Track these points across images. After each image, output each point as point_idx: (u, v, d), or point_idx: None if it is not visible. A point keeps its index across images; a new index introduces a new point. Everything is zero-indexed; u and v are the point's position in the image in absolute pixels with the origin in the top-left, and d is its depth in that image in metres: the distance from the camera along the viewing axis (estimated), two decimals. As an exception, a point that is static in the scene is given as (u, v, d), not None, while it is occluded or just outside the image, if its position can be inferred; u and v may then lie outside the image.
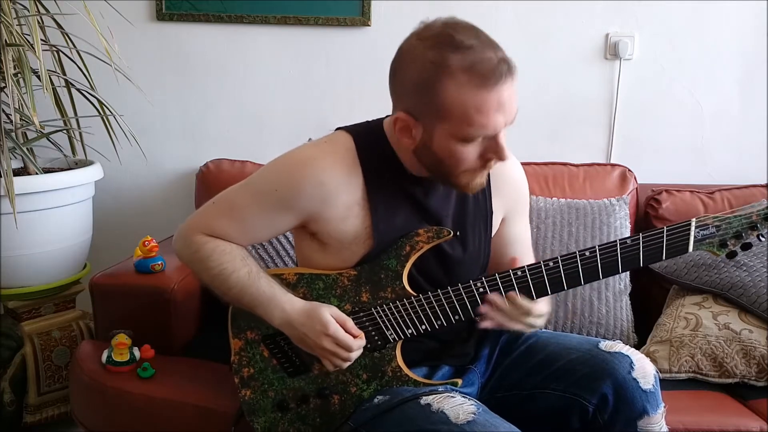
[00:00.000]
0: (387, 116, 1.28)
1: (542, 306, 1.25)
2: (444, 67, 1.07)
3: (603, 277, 1.19)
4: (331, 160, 1.21)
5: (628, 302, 1.86)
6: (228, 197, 1.28)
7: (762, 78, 2.20)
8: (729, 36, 2.18)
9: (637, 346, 1.76)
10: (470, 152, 1.13)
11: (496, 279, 1.20)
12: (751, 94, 2.21)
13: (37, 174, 1.88)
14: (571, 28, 2.19)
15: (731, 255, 1.18)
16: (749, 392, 1.62)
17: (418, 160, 1.19)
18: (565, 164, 2.10)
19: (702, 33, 2.18)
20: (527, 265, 1.20)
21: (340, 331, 1.18)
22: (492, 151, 1.14)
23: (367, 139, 1.23)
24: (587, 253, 1.17)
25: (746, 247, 1.17)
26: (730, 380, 1.64)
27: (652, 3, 2.17)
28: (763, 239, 1.16)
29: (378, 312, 1.23)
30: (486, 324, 1.21)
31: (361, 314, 1.24)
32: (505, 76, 1.09)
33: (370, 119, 1.29)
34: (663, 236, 1.16)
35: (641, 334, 1.82)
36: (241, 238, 1.27)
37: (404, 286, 1.23)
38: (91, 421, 1.64)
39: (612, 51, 2.19)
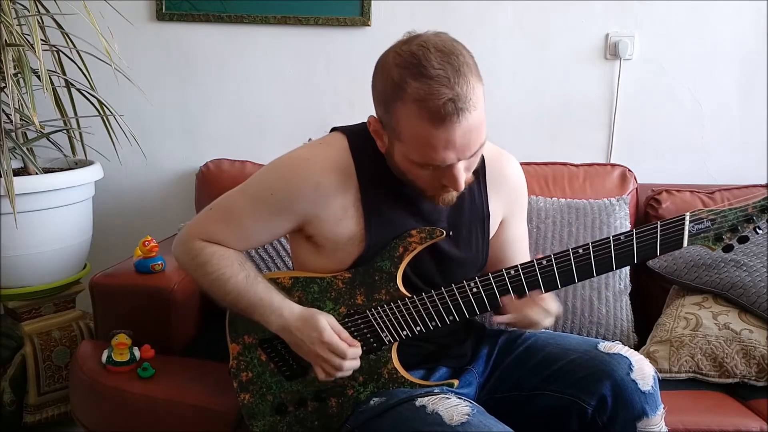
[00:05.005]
0: None
1: (551, 304, 1.24)
2: (401, 92, 1.07)
3: (597, 275, 1.18)
4: (326, 161, 1.21)
5: (628, 302, 1.86)
6: (225, 203, 1.28)
7: (762, 78, 2.20)
8: (729, 36, 2.18)
9: (637, 346, 1.76)
10: (425, 175, 1.14)
11: (489, 279, 1.20)
12: (751, 94, 2.21)
13: (37, 174, 1.88)
14: (571, 28, 2.19)
15: (727, 249, 1.16)
16: (749, 392, 1.61)
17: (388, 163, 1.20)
18: (565, 164, 2.10)
19: (702, 33, 2.18)
20: (520, 264, 1.19)
21: (334, 337, 1.17)
22: (446, 180, 1.13)
23: (362, 140, 1.23)
24: (580, 251, 1.16)
25: (743, 240, 1.15)
26: (730, 380, 1.64)
27: (652, 3, 2.17)
28: (760, 231, 1.15)
29: (373, 314, 1.23)
30: (499, 319, 1.22)
31: (356, 317, 1.24)
32: (452, 117, 1.04)
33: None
34: (657, 232, 1.15)
35: (641, 334, 1.82)
36: (238, 243, 1.28)
37: (398, 288, 1.23)
38: (91, 421, 1.64)
39: (612, 51, 2.19)
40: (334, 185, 1.20)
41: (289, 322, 1.20)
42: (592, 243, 1.16)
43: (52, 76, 1.89)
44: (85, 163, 2.03)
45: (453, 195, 1.18)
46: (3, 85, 1.82)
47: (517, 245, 1.39)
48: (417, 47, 1.07)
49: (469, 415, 1.10)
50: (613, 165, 2.11)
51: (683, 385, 1.63)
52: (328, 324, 1.19)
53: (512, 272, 1.19)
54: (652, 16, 2.17)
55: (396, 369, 1.25)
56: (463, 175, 1.12)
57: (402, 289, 1.23)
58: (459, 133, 1.06)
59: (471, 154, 1.10)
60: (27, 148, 1.91)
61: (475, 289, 1.20)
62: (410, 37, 1.11)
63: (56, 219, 1.88)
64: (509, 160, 1.36)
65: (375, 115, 1.17)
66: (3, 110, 1.81)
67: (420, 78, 1.05)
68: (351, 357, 1.18)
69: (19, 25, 1.81)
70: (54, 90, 1.90)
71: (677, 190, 2.04)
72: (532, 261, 1.19)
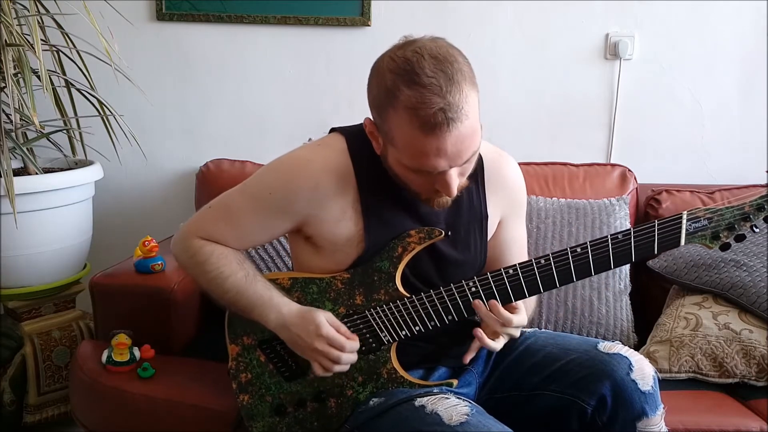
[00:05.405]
0: None
1: (521, 317, 1.23)
2: (393, 98, 1.07)
3: (595, 273, 1.18)
4: (326, 162, 1.21)
5: (628, 302, 1.86)
6: (224, 201, 1.28)
7: (762, 78, 2.20)
8: (729, 36, 2.18)
9: (637, 346, 1.76)
10: (418, 180, 1.14)
11: (488, 278, 1.20)
12: (751, 94, 2.21)
13: (37, 174, 1.88)
14: (571, 29, 2.19)
15: (725, 247, 1.16)
16: (749, 392, 1.61)
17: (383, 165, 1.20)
18: (565, 164, 2.10)
19: (702, 33, 2.18)
20: (519, 264, 1.19)
21: (332, 331, 1.18)
22: (439, 185, 1.13)
23: (360, 141, 1.23)
24: (578, 250, 1.17)
25: (740, 238, 1.15)
26: (730, 380, 1.64)
27: (652, 3, 2.17)
28: (756, 230, 1.15)
29: (372, 314, 1.23)
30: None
31: (356, 317, 1.24)
32: (443, 127, 1.04)
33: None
34: (654, 230, 1.15)
35: (641, 334, 1.82)
36: (237, 242, 1.28)
37: (397, 288, 1.23)
38: (91, 421, 1.64)
39: (612, 51, 2.19)
40: (333, 186, 1.21)
41: (287, 319, 1.20)
42: (590, 242, 1.17)
43: (52, 76, 1.89)
44: (85, 163, 2.03)
45: (447, 199, 1.18)
46: (3, 85, 1.82)
47: (515, 246, 1.39)
48: (412, 53, 1.07)
49: (468, 415, 1.10)
50: (613, 165, 2.11)
51: (683, 385, 1.63)
52: (325, 318, 1.19)
53: (510, 271, 1.19)
54: (652, 16, 2.17)
55: (395, 369, 1.25)
56: (456, 181, 1.12)
57: (401, 289, 1.23)
58: (450, 141, 1.06)
59: (463, 162, 1.10)
60: (27, 148, 1.91)
61: (474, 289, 1.20)
62: (406, 41, 1.11)
63: (56, 219, 1.88)
64: (508, 161, 1.35)
65: (368, 118, 1.17)
66: (3, 110, 1.81)
67: (412, 85, 1.05)
68: (349, 350, 1.19)
69: (19, 25, 1.81)
70: (54, 90, 1.90)
71: (677, 190, 2.04)
72: (531, 260, 1.19)
